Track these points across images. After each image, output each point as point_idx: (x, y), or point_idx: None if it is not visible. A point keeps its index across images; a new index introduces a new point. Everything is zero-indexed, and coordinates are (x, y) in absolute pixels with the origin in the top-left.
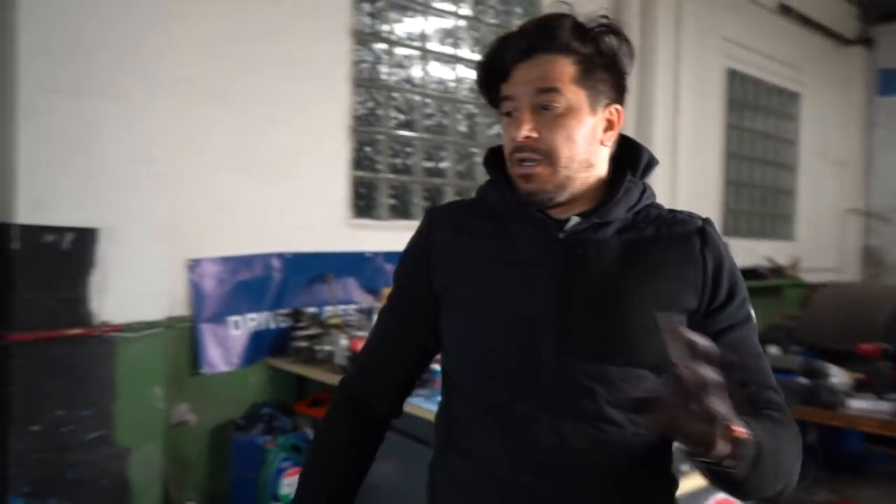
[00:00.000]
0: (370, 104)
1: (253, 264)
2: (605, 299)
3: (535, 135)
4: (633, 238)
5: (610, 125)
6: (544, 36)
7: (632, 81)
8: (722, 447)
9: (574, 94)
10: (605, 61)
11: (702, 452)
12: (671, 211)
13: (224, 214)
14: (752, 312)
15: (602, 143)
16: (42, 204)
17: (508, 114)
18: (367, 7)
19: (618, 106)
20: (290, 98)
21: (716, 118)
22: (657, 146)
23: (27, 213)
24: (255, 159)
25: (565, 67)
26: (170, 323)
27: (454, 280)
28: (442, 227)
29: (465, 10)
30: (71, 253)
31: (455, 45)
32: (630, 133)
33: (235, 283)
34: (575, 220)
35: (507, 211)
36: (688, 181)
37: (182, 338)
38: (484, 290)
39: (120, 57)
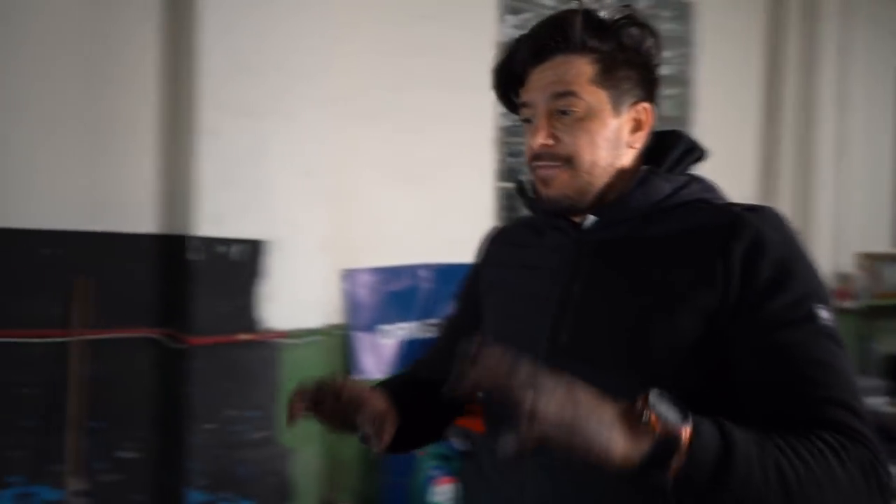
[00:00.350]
0: (516, 116)
1: (403, 275)
2: (603, 299)
3: (551, 142)
4: (646, 234)
5: (638, 125)
6: (556, 35)
7: (792, 81)
8: (622, 447)
9: (594, 96)
10: (627, 57)
11: (613, 462)
12: (726, 204)
13: (376, 226)
14: (824, 314)
15: (629, 145)
16: (219, 217)
17: (528, 120)
18: (511, 19)
19: (646, 104)
20: (439, 111)
21: (892, 119)
22: (822, 150)
23: (207, 226)
24: (406, 172)
25: (582, 68)
26: (327, 330)
27: (490, 288)
28: (494, 240)
29: None
30: (243, 263)
31: None
32: (792, 137)
33: (386, 293)
34: (591, 219)
35: (539, 218)
36: (859, 189)
37: (338, 345)
38: (507, 296)
39: (287, 78)
